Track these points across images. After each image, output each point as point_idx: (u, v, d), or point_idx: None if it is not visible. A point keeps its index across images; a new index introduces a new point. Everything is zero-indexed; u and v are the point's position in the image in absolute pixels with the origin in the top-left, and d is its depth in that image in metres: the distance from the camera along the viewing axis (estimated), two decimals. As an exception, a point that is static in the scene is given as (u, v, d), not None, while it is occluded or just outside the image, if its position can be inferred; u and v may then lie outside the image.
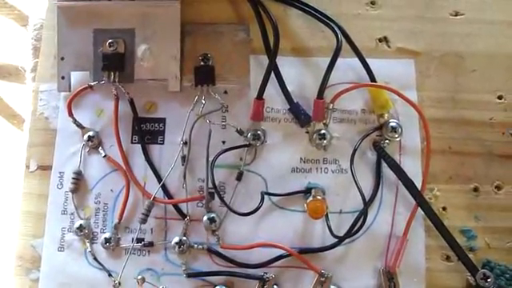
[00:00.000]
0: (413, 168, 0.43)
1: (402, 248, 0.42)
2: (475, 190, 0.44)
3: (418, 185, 0.42)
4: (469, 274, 0.42)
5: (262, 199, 0.41)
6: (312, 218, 0.41)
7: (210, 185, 0.41)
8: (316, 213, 0.40)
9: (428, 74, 0.45)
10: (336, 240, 0.41)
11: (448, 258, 0.43)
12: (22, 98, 0.47)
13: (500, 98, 0.45)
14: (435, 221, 0.42)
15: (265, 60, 0.43)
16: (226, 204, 0.41)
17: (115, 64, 0.43)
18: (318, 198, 0.41)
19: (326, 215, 0.42)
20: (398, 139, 0.44)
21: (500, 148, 0.45)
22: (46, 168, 0.44)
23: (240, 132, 0.43)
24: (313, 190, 0.42)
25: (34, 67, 0.46)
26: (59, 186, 0.43)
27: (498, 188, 0.44)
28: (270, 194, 0.42)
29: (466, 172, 0.44)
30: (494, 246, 0.43)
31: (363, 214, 0.41)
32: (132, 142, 0.44)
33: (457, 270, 0.43)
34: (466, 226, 0.44)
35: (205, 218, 0.42)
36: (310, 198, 0.41)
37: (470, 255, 0.42)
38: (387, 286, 0.42)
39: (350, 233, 0.41)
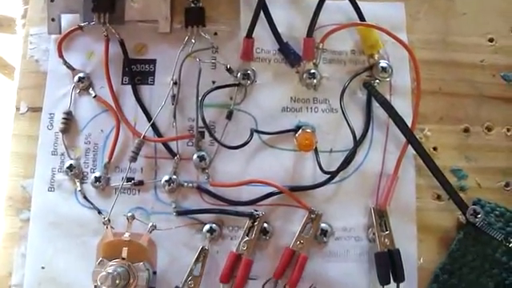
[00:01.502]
0: (403, 108, 0.43)
1: (392, 185, 0.42)
2: (466, 130, 0.44)
3: (409, 125, 0.42)
4: (459, 212, 0.42)
5: (251, 134, 0.41)
6: (301, 151, 0.41)
7: (200, 123, 0.41)
8: (305, 145, 0.40)
9: (418, 16, 0.45)
10: (326, 178, 0.41)
11: (439, 198, 0.43)
12: (13, 48, 0.47)
13: (491, 40, 0.45)
14: (425, 158, 0.42)
15: (255, 2, 0.43)
16: (215, 138, 0.41)
17: (105, 5, 0.43)
18: (308, 130, 0.41)
19: (316, 151, 0.42)
20: (388, 79, 0.44)
21: (491, 90, 0.45)
22: (36, 110, 0.44)
23: (229, 70, 0.42)
24: (302, 127, 0.42)
25: (24, 14, 0.46)
26: (49, 127, 0.43)
27: (489, 129, 0.44)
28: (259, 132, 0.42)
29: (457, 113, 0.44)
30: (484, 185, 0.43)
31: (354, 150, 0.41)
32: (122, 83, 0.44)
33: (447, 209, 0.43)
34: (457, 166, 0.43)
35: (195, 156, 0.42)
36: (300, 132, 0.41)
37: (461, 195, 0.42)
38: (378, 224, 0.41)
39: (340, 169, 0.41)
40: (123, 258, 0.39)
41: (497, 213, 0.42)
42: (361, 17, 0.44)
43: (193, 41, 0.43)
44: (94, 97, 0.43)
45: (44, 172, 0.43)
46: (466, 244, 0.42)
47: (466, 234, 0.42)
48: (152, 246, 0.41)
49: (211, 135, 0.41)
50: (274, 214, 0.42)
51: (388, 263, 0.40)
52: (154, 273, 0.41)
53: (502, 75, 0.45)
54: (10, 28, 0.51)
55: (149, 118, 0.43)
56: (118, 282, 0.37)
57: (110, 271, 0.37)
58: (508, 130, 0.44)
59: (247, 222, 0.41)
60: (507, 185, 0.44)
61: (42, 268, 0.41)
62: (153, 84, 0.44)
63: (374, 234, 0.41)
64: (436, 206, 0.43)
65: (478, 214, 0.41)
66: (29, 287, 0.41)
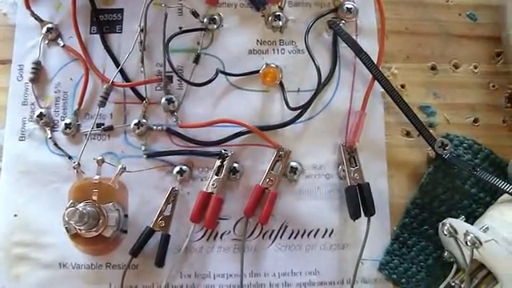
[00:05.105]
0: (370, 48, 0.43)
1: (360, 121, 0.42)
2: (433, 68, 0.44)
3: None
4: (429, 148, 0.42)
5: (216, 74, 0.41)
6: (265, 84, 0.42)
7: (168, 68, 0.41)
8: (269, 79, 0.41)
9: (382, -43, 0.46)
10: (294, 116, 0.42)
11: (408, 134, 0.43)
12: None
13: (456, -20, 0.46)
14: (392, 93, 0.42)
15: (217, -52, 0.44)
16: (181, 77, 0.41)
17: (71, -44, 0.43)
18: (271, 65, 0.41)
19: (283, 88, 0.42)
20: (353, 20, 0.44)
21: (456, 28, 0.45)
22: (5, 62, 0.44)
23: (195, 14, 0.43)
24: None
25: (-9, -31, 0.47)
26: (19, 78, 0.44)
27: (456, 66, 0.45)
28: (225, 74, 0.42)
29: (424, 51, 0.45)
30: (453, 121, 0.44)
31: (319, 87, 0.41)
32: (91, 33, 0.44)
33: (417, 146, 0.43)
34: (425, 103, 0.44)
35: (163, 99, 0.42)
36: (263, 67, 0.42)
37: (430, 131, 0.42)
38: (347, 160, 0.42)
39: (306, 105, 0.41)
40: (94, 200, 0.39)
41: (465, 145, 0.42)
42: (324, -41, 0.44)
43: (159, -12, 0.43)
44: (63, 46, 0.43)
45: (15, 122, 0.43)
46: (435, 177, 0.42)
47: (435, 168, 0.42)
48: (123, 188, 0.41)
49: (177, 74, 0.41)
50: (244, 154, 0.42)
51: (358, 197, 0.40)
52: (126, 216, 0.41)
53: (468, 14, 0.45)
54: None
55: (117, 65, 0.43)
56: (86, 219, 0.37)
57: (79, 208, 0.37)
58: (475, 67, 0.45)
59: (216, 162, 0.41)
60: (476, 120, 0.44)
61: (15, 216, 0.41)
62: (121, 32, 0.44)
63: (343, 170, 0.41)
64: (405, 142, 0.43)
65: (446, 145, 0.41)
66: (1, 236, 0.41)
